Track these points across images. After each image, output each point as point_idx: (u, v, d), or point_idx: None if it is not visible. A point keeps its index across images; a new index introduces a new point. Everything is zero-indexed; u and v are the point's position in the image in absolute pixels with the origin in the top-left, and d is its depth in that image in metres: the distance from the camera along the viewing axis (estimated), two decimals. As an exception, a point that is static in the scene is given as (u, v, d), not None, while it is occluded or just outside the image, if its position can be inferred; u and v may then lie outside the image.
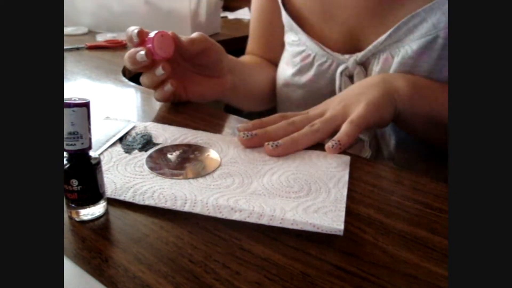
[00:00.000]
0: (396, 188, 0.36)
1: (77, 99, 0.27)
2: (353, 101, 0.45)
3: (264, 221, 0.30)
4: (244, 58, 0.71)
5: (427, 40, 0.49)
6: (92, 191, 0.29)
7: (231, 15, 1.51)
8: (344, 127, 0.42)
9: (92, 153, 0.29)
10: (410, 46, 0.51)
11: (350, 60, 0.56)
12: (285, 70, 0.63)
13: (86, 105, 0.27)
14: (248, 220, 0.30)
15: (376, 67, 0.54)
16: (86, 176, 0.29)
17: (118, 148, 0.40)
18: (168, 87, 0.48)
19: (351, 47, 0.57)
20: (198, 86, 0.53)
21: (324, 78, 0.59)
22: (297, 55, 0.61)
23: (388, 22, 0.53)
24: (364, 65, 0.56)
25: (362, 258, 0.28)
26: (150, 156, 0.39)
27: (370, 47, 0.54)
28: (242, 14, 1.53)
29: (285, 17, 0.62)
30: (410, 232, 0.30)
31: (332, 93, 0.58)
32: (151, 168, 0.36)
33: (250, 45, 0.74)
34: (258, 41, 0.72)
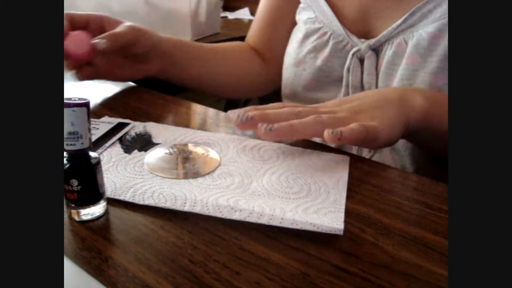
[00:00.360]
0: (396, 188, 0.36)
1: (77, 99, 0.27)
2: (367, 114, 0.42)
3: (264, 220, 0.30)
4: (224, 44, 0.70)
5: (443, 23, 0.49)
6: (92, 191, 0.29)
7: (231, 15, 1.51)
8: (353, 125, 0.38)
9: (92, 153, 0.29)
10: (424, 30, 0.50)
11: (364, 44, 0.55)
12: (298, 48, 0.62)
13: (86, 105, 0.27)
14: (248, 219, 0.30)
15: (389, 51, 0.54)
16: (86, 176, 0.29)
17: (118, 148, 0.40)
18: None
19: (364, 31, 0.57)
20: (122, 69, 0.56)
21: (337, 58, 0.58)
22: (313, 33, 0.60)
23: (402, 7, 0.53)
24: (377, 50, 0.55)
25: (362, 258, 0.28)
26: (150, 156, 0.39)
27: (384, 32, 0.53)
28: (242, 14, 1.53)
29: None
30: (410, 232, 0.30)
31: (340, 80, 0.58)
32: (151, 168, 0.36)
33: (251, 31, 0.72)
34: (259, 26, 0.71)
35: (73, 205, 0.29)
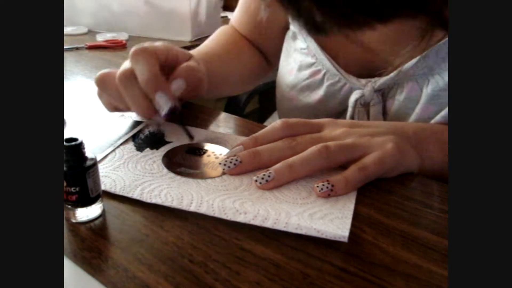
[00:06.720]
0: (396, 188, 0.36)
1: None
2: (380, 139, 0.37)
3: (268, 224, 0.30)
4: (220, 39, 0.64)
5: None
6: (82, 194, 0.29)
7: (231, 15, 1.50)
8: (350, 171, 0.34)
9: (90, 155, 0.29)
10: (442, 76, 0.44)
11: (367, 86, 0.48)
12: (291, 81, 0.57)
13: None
14: (252, 222, 0.30)
15: (399, 96, 0.47)
16: (76, 179, 0.29)
17: (130, 145, 0.40)
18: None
19: (365, 72, 0.50)
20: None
21: (334, 99, 0.52)
22: (306, 68, 0.54)
23: (414, 51, 0.45)
24: (383, 93, 0.48)
25: (363, 258, 0.28)
26: (167, 154, 0.39)
27: (392, 74, 0.46)
28: (242, 14, 1.53)
29: None
30: (410, 232, 0.30)
31: (340, 115, 0.53)
32: (168, 167, 0.36)
33: (239, 17, 0.66)
34: (252, 19, 0.64)
35: (68, 206, 0.30)
